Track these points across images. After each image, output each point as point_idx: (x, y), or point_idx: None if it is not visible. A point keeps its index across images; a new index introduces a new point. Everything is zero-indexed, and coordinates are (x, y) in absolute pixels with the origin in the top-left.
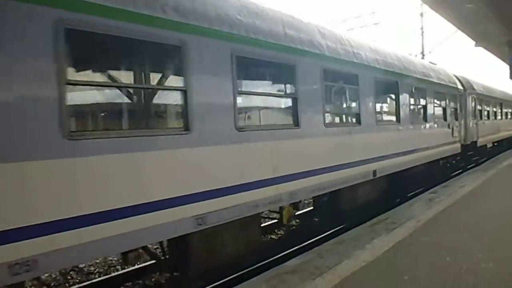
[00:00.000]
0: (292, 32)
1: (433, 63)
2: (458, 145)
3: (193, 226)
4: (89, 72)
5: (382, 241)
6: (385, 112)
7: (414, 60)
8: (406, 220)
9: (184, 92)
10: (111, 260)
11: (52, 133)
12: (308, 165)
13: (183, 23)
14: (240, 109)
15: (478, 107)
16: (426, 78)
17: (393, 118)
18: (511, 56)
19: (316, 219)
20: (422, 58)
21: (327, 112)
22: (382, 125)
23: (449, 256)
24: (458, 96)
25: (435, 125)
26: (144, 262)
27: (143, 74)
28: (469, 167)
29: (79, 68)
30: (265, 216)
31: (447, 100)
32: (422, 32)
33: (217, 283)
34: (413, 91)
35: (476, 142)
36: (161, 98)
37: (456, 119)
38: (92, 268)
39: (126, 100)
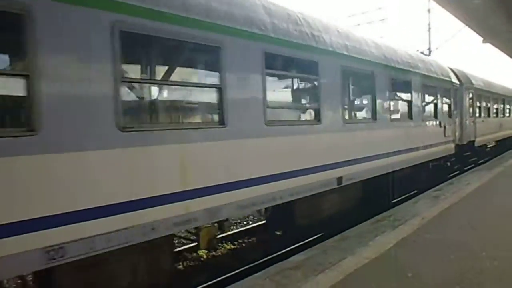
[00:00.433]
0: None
1: (425, 54)
2: (452, 145)
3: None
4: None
5: (386, 238)
6: (357, 109)
7: (396, 48)
8: (410, 217)
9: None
10: None
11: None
12: (232, 176)
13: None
14: None
15: (477, 103)
16: (412, 70)
17: (368, 115)
18: None
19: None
20: (429, 54)
21: (270, 107)
22: (351, 123)
23: (454, 254)
24: (453, 91)
25: (423, 123)
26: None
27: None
28: (466, 168)
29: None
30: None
31: (438, 95)
32: (429, 28)
33: (220, 278)
34: (395, 84)
35: (473, 141)
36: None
37: (450, 116)
38: None
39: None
